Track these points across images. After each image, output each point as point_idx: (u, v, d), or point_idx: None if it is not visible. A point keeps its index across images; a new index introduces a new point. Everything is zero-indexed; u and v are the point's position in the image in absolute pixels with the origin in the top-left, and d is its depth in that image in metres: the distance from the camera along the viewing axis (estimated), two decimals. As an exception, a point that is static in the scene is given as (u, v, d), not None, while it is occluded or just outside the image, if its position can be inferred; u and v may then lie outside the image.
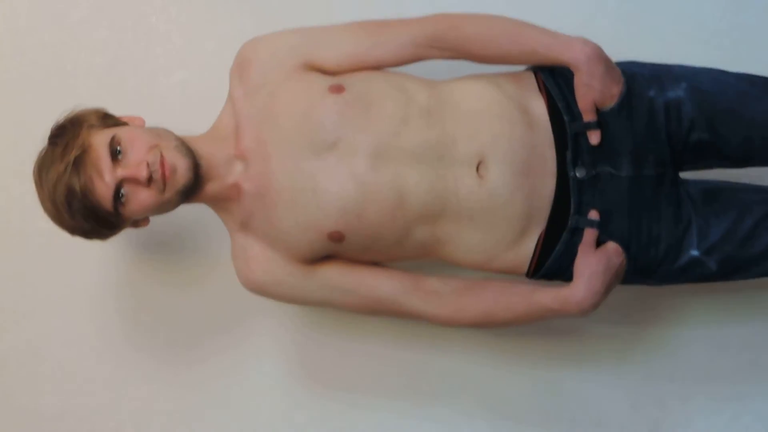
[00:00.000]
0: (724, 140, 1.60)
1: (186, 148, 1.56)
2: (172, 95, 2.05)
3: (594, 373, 2.07)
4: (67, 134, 1.53)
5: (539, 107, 1.60)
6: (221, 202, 1.64)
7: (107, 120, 1.58)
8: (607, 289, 1.53)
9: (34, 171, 1.55)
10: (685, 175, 1.64)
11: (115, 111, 1.69)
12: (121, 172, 1.48)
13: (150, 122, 1.68)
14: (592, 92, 1.54)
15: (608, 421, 2.05)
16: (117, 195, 1.49)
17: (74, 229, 1.54)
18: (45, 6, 2.04)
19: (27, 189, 1.60)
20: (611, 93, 1.56)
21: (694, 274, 1.64)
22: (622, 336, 2.05)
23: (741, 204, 1.63)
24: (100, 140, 1.50)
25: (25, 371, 2.06)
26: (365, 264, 1.65)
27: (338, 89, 1.58)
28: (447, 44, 1.62)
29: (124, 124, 1.59)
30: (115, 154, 1.50)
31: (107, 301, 2.08)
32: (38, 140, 1.63)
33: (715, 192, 1.65)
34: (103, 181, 1.48)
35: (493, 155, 1.54)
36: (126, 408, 2.05)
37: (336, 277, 1.65)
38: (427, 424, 2.02)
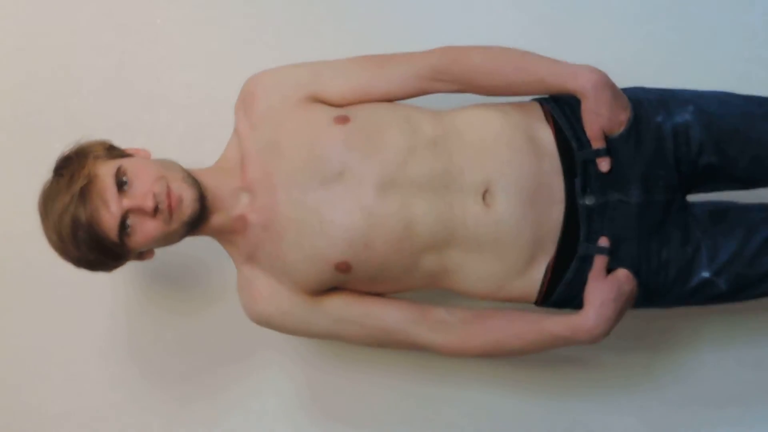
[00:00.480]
0: (733, 162, 1.61)
1: (192, 179, 1.56)
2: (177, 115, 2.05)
3: (605, 402, 2.07)
4: (73, 165, 1.53)
5: (546, 136, 1.61)
6: (227, 235, 1.64)
7: (113, 151, 1.58)
8: (618, 316, 1.53)
9: (39, 202, 1.55)
10: (691, 197, 1.65)
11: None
12: (127, 202, 1.48)
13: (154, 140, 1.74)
14: (600, 119, 1.54)
15: None
16: (123, 225, 1.49)
17: (79, 261, 1.53)
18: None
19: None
20: (619, 120, 1.56)
21: (704, 295, 1.64)
22: (633, 362, 2.05)
23: (748, 223, 1.64)
24: (106, 171, 1.50)
25: (38, 407, 2.07)
26: (372, 295, 1.64)
27: (344, 120, 1.58)
28: (452, 76, 1.63)
29: (130, 155, 1.59)
30: (121, 185, 1.50)
31: (111, 336, 2.11)
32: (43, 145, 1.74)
33: (721, 212, 1.65)
34: (109, 211, 1.47)
35: (499, 184, 1.55)
36: None
37: (342, 308, 1.64)
38: None
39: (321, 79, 1.66)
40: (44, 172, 1.57)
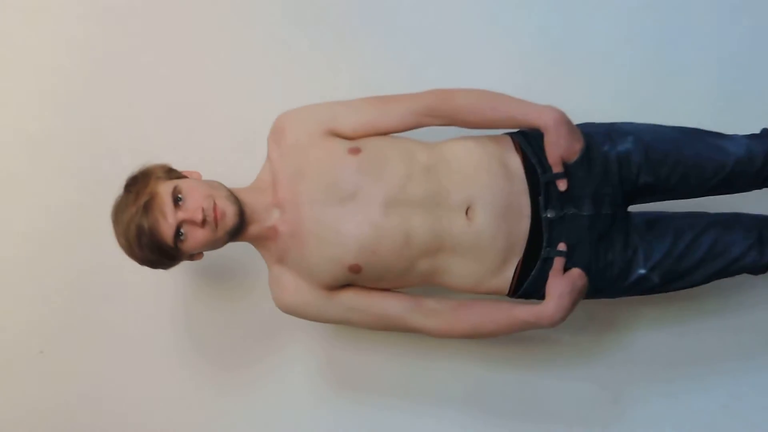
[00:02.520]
0: (666, 180, 1.85)
1: (234, 197, 1.78)
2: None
3: (562, 371, 2.33)
4: (139, 183, 1.76)
5: (516, 163, 1.83)
6: (261, 241, 1.86)
7: (171, 173, 1.81)
8: (573, 306, 1.77)
9: (111, 213, 1.78)
10: (632, 207, 1.88)
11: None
12: (181, 215, 1.71)
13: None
14: (559, 149, 1.78)
15: (574, 411, 2.32)
16: (177, 233, 1.71)
17: (142, 260, 1.76)
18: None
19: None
20: (574, 149, 1.80)
21: (641, 287, 1.88)
22: (585, 340, 2.32)
23: (676, 229, 1.88)
24: (165, 189, 1.73)
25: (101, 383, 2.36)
26: (377, 289, 1.86)
27: (356, 151, 1.80)
28: (441, 113, 1.85)
29: (185, 177, 1.81)
30: (176, 201, 1.72)
31: (170, 321, 2.37)
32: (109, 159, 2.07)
33: (654, 221, 1.90)
34: (167, 222, 1.70)
35: (479, 202, 1.78)
36: (183, 406, 2.36)
37: (353, 300, 1.86)
38: (427, 416, 2.31)
39: (337, 117, 1.87)
40: (115, 184, 1.80)
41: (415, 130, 1.91)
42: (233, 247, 1.89)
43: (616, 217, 1.85)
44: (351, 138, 1.87)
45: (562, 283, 1.78)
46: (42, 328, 2.36)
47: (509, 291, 1.86)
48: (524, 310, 1.81)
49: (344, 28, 2.33)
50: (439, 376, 2.31)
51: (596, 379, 2.34)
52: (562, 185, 1.79)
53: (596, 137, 1.84)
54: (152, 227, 1.71)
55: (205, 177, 1.89)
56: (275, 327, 2.31)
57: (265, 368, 2.34)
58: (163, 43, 2.34)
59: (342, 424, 2.34)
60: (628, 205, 1.89)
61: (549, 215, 1.80)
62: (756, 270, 1.92)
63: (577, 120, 1.83)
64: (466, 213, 1.79)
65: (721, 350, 2.34)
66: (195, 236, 1.74)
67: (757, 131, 1.95)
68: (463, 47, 2.33)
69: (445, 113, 1.86)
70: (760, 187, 1.93)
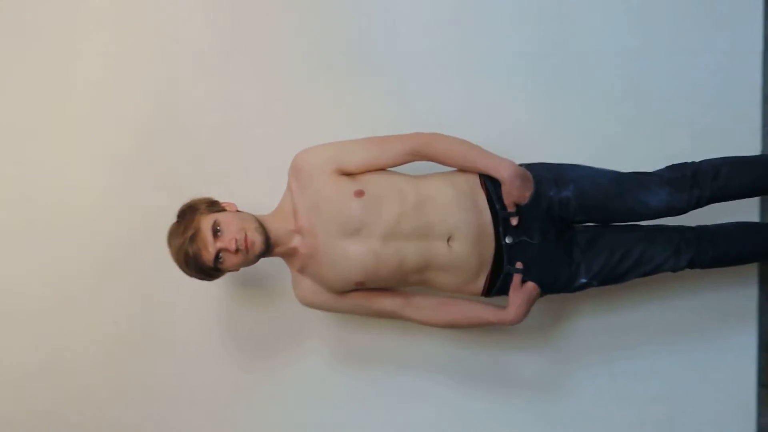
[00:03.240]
0: (597, 218, 2.24)
1: (262, 228, 2.11)
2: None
3: (518, 350, 2.68)
4: (186, 217, 2.11)
5: (482, 200, 2.16)
6: (286, 257, 2.22)
7: (212, 207, 2.14)
8: (528, 311, 2.16)
9: (167, 238, 2.12)
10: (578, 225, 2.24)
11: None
12: (219, 244, 2.05)
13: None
14: (511, 197, 2.12)
15: (529, 383, 2.68)
16: (216, 258, 2.07)
17: (192, 276, 2.13)
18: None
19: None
20: (524, 197, 2.13)
21: (583, 289, 2.26)
22: (537, 326, 2.66)
23: (611, 246, 2.22)
24: (206, 224, 2.07)
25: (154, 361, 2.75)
26: (377, 290, 2.22)
27: (360, 194, 2.10)
28: (424, 156, 2.17)
29: (223, 209, 2.14)
30: (215, 232, 2.06)
31: (215, 319, 2.74)
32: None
33: (593, 240, 2.24)
34: (208, 251, 2.06)
35: (456, 233, 2.13)
36: (220, 387, 2.75)
37: (358, 300, 2.23)
38: (416, 382, 2.70)
39: (344, 158, 2.15)
40: (164, 205, 2.21)
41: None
42: (266, 261, 2.26)
43: (561, 241, 2.21)
44: (355, 173, 2.16)
45: (519, 296, 2.16)
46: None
47: (482, 293, 2.22)
48: (492, 313, 2.19)
49: (355, 76, 2.65)
50: (422, 354, 2.69)
51: (547, 358, 2.70)
52: (513, 221, 2.15)
53: (545, 183, 2.17)
54: (196, 254, 2.07)
55: (240, 206, 2.23)
56: (297, 321, 2.69)
57: (289, 355, 2.71)
58: (207, 97, 2.68)
59: (350, 390, 2.72)
60: (571, 229, 2.24)
61: (508, 241, 2.17)
62: (675, 270, 2.29)
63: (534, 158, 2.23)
64: (448, 241, 2.13)
65: (650, 334, 2.67)
66: (230, 260, 2.09)
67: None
68: (457, 91, 2.64)
69: (427, 156, 2.18)
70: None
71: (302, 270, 2.23)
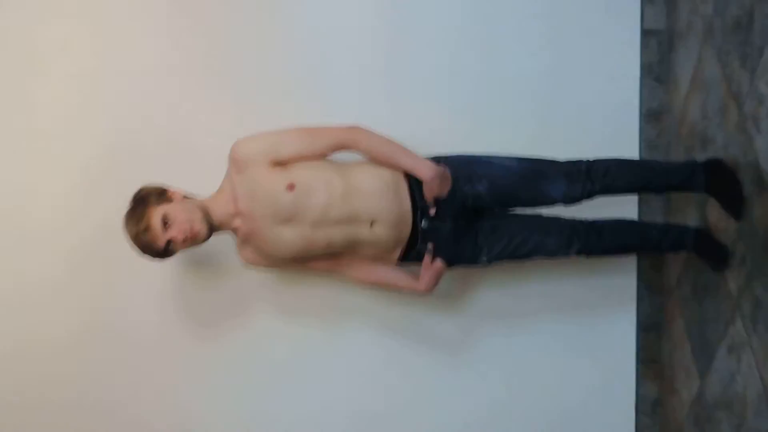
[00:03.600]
0: (505, 207, 2.55)
1: (207, 218, 2.34)
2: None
3: (430, 316, 3.03)
4: (138, 210, 2.31)
5: (404, 190, 2.42)
6: (231, 231, 2.46)
7: (160, 198, 2.33)
8: (436, 283, 2.47)
9: (123, 224, 2.33)
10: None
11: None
12: (168, 235, 2.29)
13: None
14: (431, 193, 2.38)
15: (441, 344, 3.01)
16: (167, 245, 2.31)
17: (145, 255, 2.36)
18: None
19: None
20: (442, 192, 2.39)
21: (484, 266, 2.58)
22: (448, 297, 3.00)
23: (510, 233, 2.53)
24: (156, 218, 2.29)
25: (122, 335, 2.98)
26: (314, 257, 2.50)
27: (291, 187, 2.33)
28: (351, 149, 2.42)
29: (170, 199, 2.33)
30: (165, 224, 2.29)
31: (170, 291, 2.99)
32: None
33: (496, 227, 2.53)
34: (159, 241, 2.30)
35: (378, 219, 2.40)
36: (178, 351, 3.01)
37: (296, 263, 2.50)
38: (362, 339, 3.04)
39: (277, 150, 2.36)
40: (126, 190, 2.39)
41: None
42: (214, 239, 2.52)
43: (468, 227, 2.52)
44: (287, 162, 2.38)
45: (429, 272, 2.46)
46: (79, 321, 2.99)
47: (396, 261, 2.55)
48: (408, 282, 2.51)
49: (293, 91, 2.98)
50: (359, 315, 3.03)
51: (455, 323, 3.06)
52: (432, 212, 2.44)
53: (461, 180, 2.45)
54: (150, 242, 2.32)
55: (186, 186, 2.49)
56: (242, 288, 3.00)
57: (236, 320, 3.03)
58: (164, 92, 2.98)
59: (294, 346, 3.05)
60: (479, 216, 2.55)
61: (423, 226, 2.48)
62: (566, 257, 2.60)
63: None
64: (371, 225, 2.42)
65: (543, 311, 3.03)
66: (179, 246, 2.36)
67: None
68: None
69: (354, 150, 2.43)
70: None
71: (245, 241, 2.50)
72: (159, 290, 3.00)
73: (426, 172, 2.37)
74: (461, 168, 2.46)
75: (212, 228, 2.39)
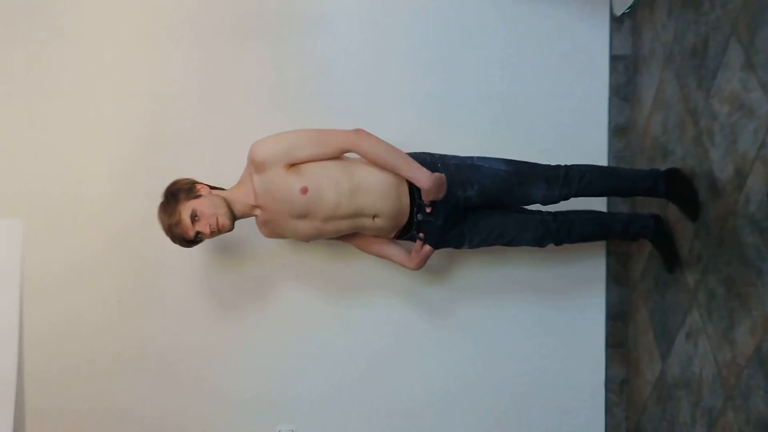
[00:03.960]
0: (492, 207, 2.73)
1: (231, 212, 2.53)
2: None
3: (425, 289, 3.25)
4: (170, 205, 2.52)
5: (404, 189, 2.61)
6: (252, 217, 2.67)
7: (189, 194, 2.53)
8: (425, 263, 2.70)
9: (157, 214, 2.53)
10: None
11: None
12: (197, 228, 2.51)
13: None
14: (428, 197, 2.56)
15: (430, 311, 3.23)
16: (196, 236, 2.54)
17: (180, 245, 2.60)
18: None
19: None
20: (438, 197, 2.57)
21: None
22: (437, 274, 3.22)
23: (491, 226, 2.74)
24: (186, 213, 2.49)
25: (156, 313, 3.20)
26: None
27: (305, 191, 2.52)
28: (356, 152, 2.56)
29: (199, 195, 2.52)
30: (193, 219, 2.50)
31: (198, 273, 3.21)
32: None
33: (479, 220, 2.73)
34: (189, 233, 2.52)
35: (381, 213, 2.61)
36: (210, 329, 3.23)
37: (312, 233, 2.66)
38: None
39: (292, 154, 2.52)
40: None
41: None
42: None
43: (456, 221, 2.73)
44: (300, 163, 2.55)
45: (419, 255, 2.69)
46: (122, 286, 3.20)
47: (391, 238, 2.79)
48: (401, 258, 2.73)
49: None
50: (370, 288, 3.27)
51: (442, 296, 3.26)
52: (428, 210, 2.65)
53: (455, 185, 2.63)
54: (181, 234, 2.55)
55: (212, 179, 2.73)
56: (264, 270, 3.21)
57: (263, 294, 3.25)
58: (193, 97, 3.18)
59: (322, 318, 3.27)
60: (466, 213, 2.73)
61: (418, 218, 2.69)
62: (540, 248, 2.86)
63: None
64: (373, 218, 2.64)
65: (518, 284, 3.25)
66: (206, 237, 2.59)
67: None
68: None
69: (359, 153, 2.60)
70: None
71: (264, 224, 2.72)
72: (193, 267, 3.22)
73: (424, 181, 2.52)
74: (456, 173, 2.62)
75: (235, 218, 2.58)
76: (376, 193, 2.59)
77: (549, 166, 2.73)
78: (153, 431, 3.26)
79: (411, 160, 2.55)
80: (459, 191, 2.64)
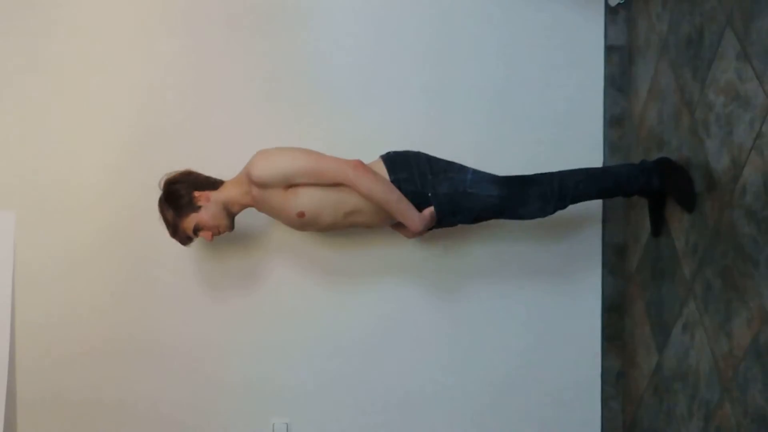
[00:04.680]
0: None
1: (231, 222, 2.68)
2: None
3: (432, 265, 3.25)
4: (171, 213, 2.64)
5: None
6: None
7: (190, 206, 2.61)
8: (429, 227, 2.66)
9: (159, 210, 2.66)
10: None
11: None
12: (200, 235, 2.66)
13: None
14: (414, 237, 2.73)
15: (436, 281, 3.24)
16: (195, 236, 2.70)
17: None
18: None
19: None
20: (425, 232, 2.69)
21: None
22: (432, 245, 3.21)
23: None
24: (188, 227, 2.63)
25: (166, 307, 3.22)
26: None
27: (302, 215, 2.59)
28: (351, 187, 2.58)
29: (199, 207, 2.60)
30: (196, 231, 2.64)
31: (190, 265, 3.23)
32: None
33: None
34: (191, 240, 2.70)
35: (375, 224, 2.73)
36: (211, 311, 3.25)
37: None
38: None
39: (290, 178, 2.55)
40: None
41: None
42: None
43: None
44: (298, 185, 2.59)
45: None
46: (114, 278, 3.21)
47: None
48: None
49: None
50: (376, 266, 3.27)
51: (437, 289, 3.27)
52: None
53: (446, 216, 2.68)
54: (183, 240, 2.71)
55: (206, 171, 2.76)
56: (262, 254, 3.22)
57: (258, 272, 3.25)
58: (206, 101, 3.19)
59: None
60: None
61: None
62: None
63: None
64: (368, 228, 2.80)
65: (513, 277, 3.24)
66: (207, 239, 2.72)
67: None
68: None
69: (354, 190, 2.61)
70: None
71: (259, 209, 2.77)
72: (186, 259, 3.23)
73: (415, 226, 2.63)
74: (446, 204, 2.64)
75: (234, 218, 2.71)
76: (369, 213, 2.67)
77: (542, 179, 2.68)
78: (146, 423, 3.28)
79: (404, 201, 2.59)
80: (450, 219, 2.69)
